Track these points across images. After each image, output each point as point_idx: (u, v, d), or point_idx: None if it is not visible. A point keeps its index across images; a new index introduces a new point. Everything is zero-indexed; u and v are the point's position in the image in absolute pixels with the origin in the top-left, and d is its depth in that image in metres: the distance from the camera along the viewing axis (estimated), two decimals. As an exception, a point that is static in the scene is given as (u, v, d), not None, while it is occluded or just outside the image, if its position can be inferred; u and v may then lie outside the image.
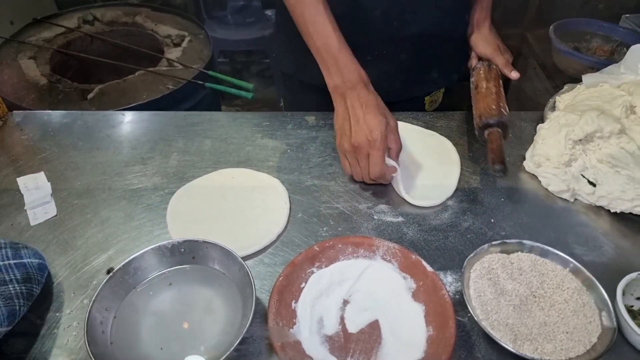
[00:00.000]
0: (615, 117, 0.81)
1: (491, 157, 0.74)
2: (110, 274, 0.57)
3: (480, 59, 0.94)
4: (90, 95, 1.19)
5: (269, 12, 2.64)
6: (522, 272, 0.63)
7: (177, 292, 0.60)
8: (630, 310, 0.59)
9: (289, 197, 0.76)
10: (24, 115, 0.91)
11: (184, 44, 1.40)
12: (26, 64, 1.26)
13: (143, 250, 0.59)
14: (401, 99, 0.98)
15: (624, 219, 0.74)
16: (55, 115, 0.91)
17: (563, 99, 0.95)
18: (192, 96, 1.28)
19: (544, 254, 0.64)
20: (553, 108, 0.94)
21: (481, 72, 0.89)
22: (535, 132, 0.87)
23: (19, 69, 1.25)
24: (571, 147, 0.79)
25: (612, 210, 0.75)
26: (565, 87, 0.98)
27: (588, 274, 0.61)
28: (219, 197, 0.75)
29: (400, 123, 0.89)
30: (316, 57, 0.74)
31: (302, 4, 0.72)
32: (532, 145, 0.85)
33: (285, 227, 0.71)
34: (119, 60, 1.36)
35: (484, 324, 0.57)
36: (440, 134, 0.90)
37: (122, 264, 0.58)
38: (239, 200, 0.74)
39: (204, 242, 0.60)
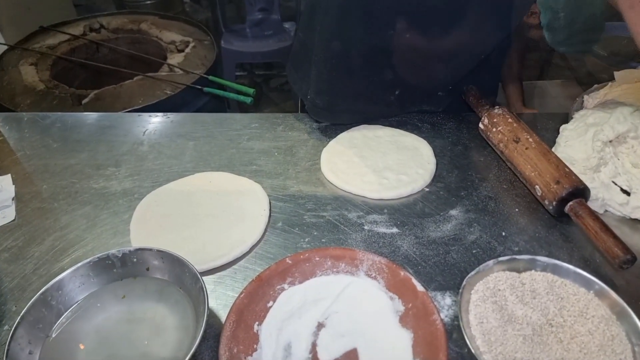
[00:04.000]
0: (652, 115, 0.70)
1: (607, 247, 0.55)
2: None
3: (480, 97, 0.81)
4: (85, 101, 1.15)
5: (287, 25, 2.62)
6: (535, 295, 0.52)
7: (127, 307, 0.52)
8: (675, 347, 0.47)
9: (270, 204, 0.68)
10: (3, 117, 0.87)
11: (187, 50, 1.36)
12: (26, 70, 1.25)
13: (87, 260, 0.52)
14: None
15: (666, 233, 0.62)
16: (34, 117, 0.87)
17: (592, 98, 0.84)
18: (192, 102, 1.24)
19: (563, 273, 0.53)
20: (581, 108, 0.83)
21: (509, 119, 0.73)
22: (559, 134, 0.76)
23: (19, 75, 1.24)
24: (600, 150, 0.68)
25: (651, 224, 0.63)
26: (595, 86, 0.87)
27: (618, 299, 0.49)
28: (191, 202, 0.67)
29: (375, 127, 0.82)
30: None
31: None
32: (553, 148, 0.73)
33: (262, 237, 0.63)
34: (125, 67, 1.33)
35: (486, 357, 0.46)
36: (449, 135, 0.81)
37: (62, 275, 0.51)
38: (213, 207, 0.66)
39: (158, 251, 0.53)
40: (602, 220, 0.58)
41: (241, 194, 0.69)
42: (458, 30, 0.71)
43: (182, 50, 1.37)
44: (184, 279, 0.52)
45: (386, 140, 0.80)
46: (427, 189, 0.71)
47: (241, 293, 0.51)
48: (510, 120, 0.73)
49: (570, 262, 0.54)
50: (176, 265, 0.52)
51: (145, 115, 0.87)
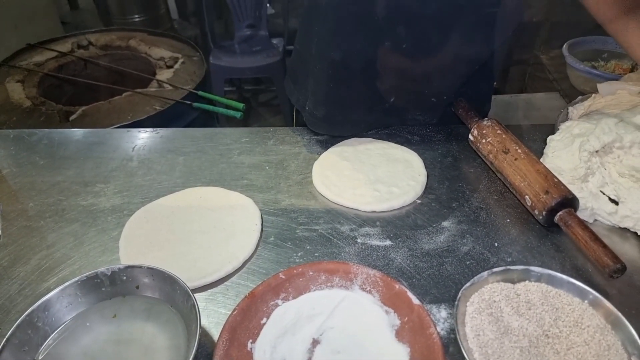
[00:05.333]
0: (636, 125, 0.71)
1: (597, 256, 0.56)
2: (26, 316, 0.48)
3: (470, 109, 0.81)
4: (72, 117, 1.14)
5: (275, 41, 2.64)
6: (530, 306, 0.52)
7: (116, 327, 0.51)
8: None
9: (262, 218, 0.67)
10: (-12, 134, 0.86)
11: (177, 66, 1.36)
12: (13, 87, 1.24)
13: (75, 279, 0.51)
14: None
15: (654, 241, 0.63)
16: (21, 134, 0.86)
17: (577, 109, 0.85)
18: (181, 117, 1.23)
19: (557, 283, 0.53)
20: (566, 119, 0.84)
21: (498, 130, 0.73)
22: (546, 145, 0.77)
23: (5, 92, 1.22)
24: (587, 160, 0.69)
25: (639, 233, 0.63)
26: (579, 98, 0.89)
27: (613, 308, 0.49)
28: (181, 218, 0.66)
29: (365, 140, 0.82)
30: None
31: None
32: (541, 159, 0.74)
33: (254, 252, 0.62)
34: (113, 83, 1.33)
35: (483, 371, 0.46)
36: (438, 147, 0.82)
37: (48, 295, 0.49)
38: (203, 222, 0.66)
39: (148, 268, 0.52)
40: (591, 230, 0.59)
41: (232, 209, 0.68)
42: (452, 39, 0.72)
43: (171, 67, 1.37)
44: (175, 297, 0.51)
45: (377, 153, 0.80)
46: (418, 201, 0.71)
47: (234, 310, 0.50)
48: (499, 131, 0.74)
49: (562, 272, 0.54)
50: (167, 282, 0.51)
51: (134, 130, 0.86)
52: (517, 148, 0.70)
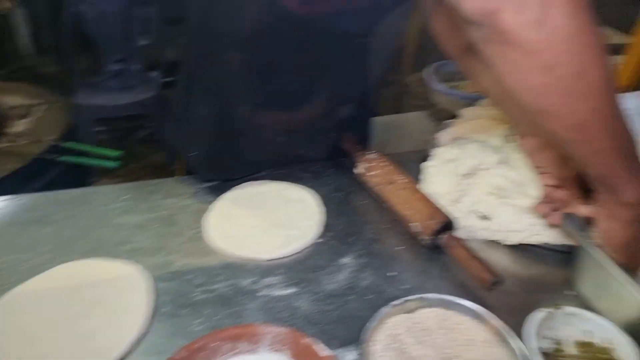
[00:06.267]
0: (494, 148, 0.81)
1: (475, 272, 0.61)
2: None
3: (356, 143, 0.86)
4: None
5: (152, 74, 2.50)
6: (428, 333, 0.55)
7: None
8: (548, 354, 0.53)
9: (154, 287, 0.61)
10: None
11: (35, 115, 1.21)
12: None
13: None
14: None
15: (521, 249, 0.71)
16: None
17: (444, 135, 0.94)
18: (44, 174, 1.08)
19: (448, 305, 0.57)
20: (436, 145, 0.93)
21: (382, 162, 0.79)
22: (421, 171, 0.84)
23: None
24: (459, 183, 0.77)
25: (508, 243, 0.72)
26: (444, 123, 0.99)
27: (496, 321, 0.54)
28: (51, 305, 0.57)
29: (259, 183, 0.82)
30: (607, 159, 0.53)
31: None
32: (420, 185, 0.81)
33: (148, 328, 0.56)
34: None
35: (397, 411, 0.47)
36: (330, 182, 0.84)
37: None
38: (79, 306, 0.57)
39: (14, 379, 0.43)
40: (469, 249, 0.65)
41: (116, 282, 0.61)
42: (328, 82, 0.76)
43: (24, 117, 1.21)
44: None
45: (272, 196, 0.79)
46: (320, 240, 0.71)
47: (129, 407, 0.44)
48: (383, 164, 0.78)
49: (453, 291, 0.59)
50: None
51: (-16, 201, 0.74)
52: (401, 178, 0.75)
